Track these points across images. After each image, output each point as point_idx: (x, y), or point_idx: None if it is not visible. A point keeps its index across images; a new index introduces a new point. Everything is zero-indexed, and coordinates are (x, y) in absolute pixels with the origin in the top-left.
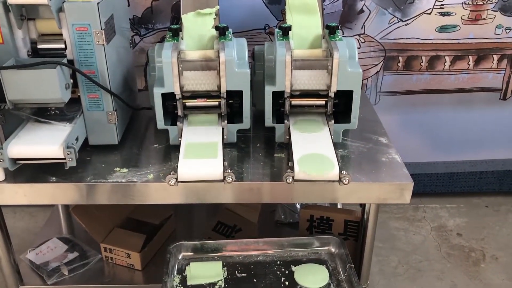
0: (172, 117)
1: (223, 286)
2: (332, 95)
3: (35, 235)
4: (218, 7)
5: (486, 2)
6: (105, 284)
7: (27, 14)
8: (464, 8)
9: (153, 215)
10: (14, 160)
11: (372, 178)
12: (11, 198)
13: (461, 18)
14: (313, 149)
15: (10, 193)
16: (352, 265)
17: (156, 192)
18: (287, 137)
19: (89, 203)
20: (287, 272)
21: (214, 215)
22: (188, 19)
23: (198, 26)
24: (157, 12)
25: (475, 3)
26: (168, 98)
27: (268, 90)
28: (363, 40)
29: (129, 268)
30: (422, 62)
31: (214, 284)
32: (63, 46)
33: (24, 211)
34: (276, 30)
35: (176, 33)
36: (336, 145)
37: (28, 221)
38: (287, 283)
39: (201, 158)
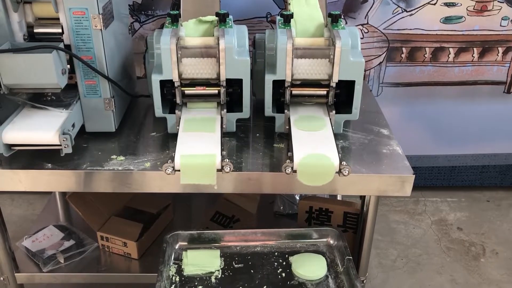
0: (170, 105)
1: (219, 276)
2: (333, 85)
3: (32, 222)
4: None
5: None
6: (101, 272)
7: None
8: None
9: (151, 204)
10: (9, 146)
11: (373, 169)
12: (7, 184)
13: (467, 9)
14: (313, 149)
15: (6, 179)
16: (351, 257)
17: (153, 180)
18: (287, 127)
19: (85, 190)
20: (284, 263)
21: (212, 205)
22: (189, 27)
23: (199, 34)
24: None
25: None
26: (166, 85)
27: (269, 78)
28: (366, 31)
29: (125, 257)
30: (426, 53)
31: (210, 274)
32: (60, 30)
33: (22, 198)
34: (278, 17)
35: (175, 19)
36: (336, 136)
37: (26, 208)
38: (284, 274)
39: (199, 148)
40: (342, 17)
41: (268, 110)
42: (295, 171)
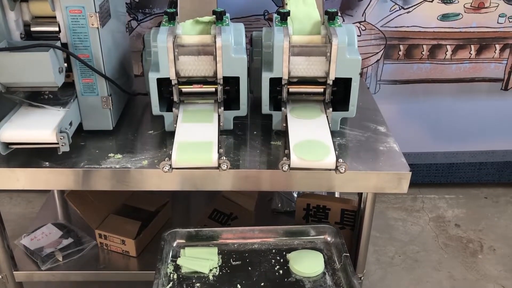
0: (167, 103)
1: (217, 273)
2: (330, 82)
3: (30, 220)
4: None
5: None
6: (100, 270)
7: None
8: None
9: (149, 202)
10: (7, 145)
11: (370, 167)
12: (5, 183)
13: (464, 6)
14: (309, 136)
15: (3, 178)
16: (348, 254)
17: (151, 178)
18: (284, 124)
19: (83, 188)
20: (282, 260)
21: (210, 203)
22: (186, 27)
23: (196, 33)
24: None
25: None
26: (163, 83)
27: (266, 76)
28: (363, 28)
29: (123, 255)
30: (423, 50)
31: (208, 271)
32: (57, 29)
33: (20, 196)
34: (275, 15)
35: (172, 17)
36: (333, 134)
37: (25, 206)
38: (281, 271)
39: (196, 145)
40: (339, 14)
41: (265, 108)
42: (292, 169)
